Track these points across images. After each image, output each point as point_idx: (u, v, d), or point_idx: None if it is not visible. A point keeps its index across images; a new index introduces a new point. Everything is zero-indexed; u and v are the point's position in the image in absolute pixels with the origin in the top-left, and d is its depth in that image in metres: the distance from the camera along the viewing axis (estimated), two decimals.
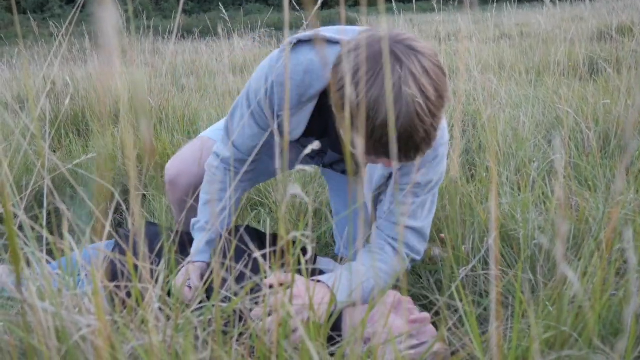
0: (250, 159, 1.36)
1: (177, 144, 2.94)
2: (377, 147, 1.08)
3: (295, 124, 1.40)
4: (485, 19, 6.42)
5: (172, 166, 1.74)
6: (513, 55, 4.89)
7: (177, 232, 1.57)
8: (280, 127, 1.41)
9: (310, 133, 1.44)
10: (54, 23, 4.67)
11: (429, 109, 1.05)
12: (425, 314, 1.27)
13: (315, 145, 0.78)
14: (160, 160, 2.77)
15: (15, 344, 0.84)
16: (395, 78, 1.04)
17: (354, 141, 1.11)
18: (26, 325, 0.80)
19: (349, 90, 1.03)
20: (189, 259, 1.47)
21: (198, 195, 1.63)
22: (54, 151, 3.11)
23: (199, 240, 1.52)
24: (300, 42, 1.32)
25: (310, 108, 1.36)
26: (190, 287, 1.41)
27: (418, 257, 1.48)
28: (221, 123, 1.77)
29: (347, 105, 1.03)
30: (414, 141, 1.07)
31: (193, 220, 1.57)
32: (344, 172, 1.71)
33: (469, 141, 2.72)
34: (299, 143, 1.50)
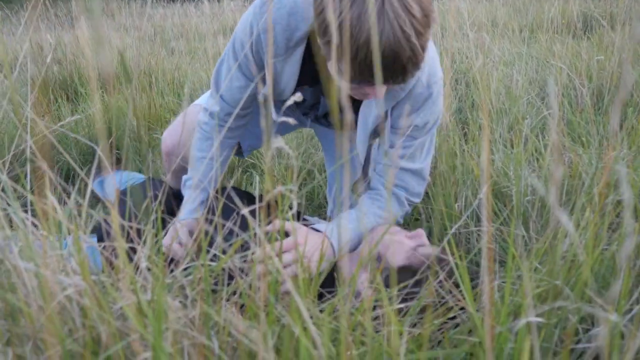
0: (237, 110, 1.31)
1: (166, 106, 2.90)
2: (362, 69, 1.02)
3: (288, 75, 1.35)
4: None
5: (168, 137, 1.71)
6: (506, 13, 4.82)
7: (164, 191, 1.54)
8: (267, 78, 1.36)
9: (303, 82, 1.39)
10: None
11: (413, 26, 0.99)
12: (420, 230, 1.28)
13: (297, 97, 0.75)
14: (151, 121, 2.74)
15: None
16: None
17: (339, 67, 1.07)
18: (10, 286, 0.78)
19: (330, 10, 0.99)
20: (178, 216, 1.45)
21: (184, 156, 1.61)
22: (43, 116, 3.06)
23: (190, 198, 1.48)
24: None
25: (299, 53, 1.31)
26: (180, 244, 1.39)
27: (417, 200, 1.47)
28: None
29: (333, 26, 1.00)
30: (400, 61, 1.01)
31: (184, 178, 1.54)
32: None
33: (461, 100, 2.69)
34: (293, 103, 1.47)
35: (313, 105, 1.53)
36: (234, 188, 1.58)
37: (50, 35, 4.40)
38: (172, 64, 3.65)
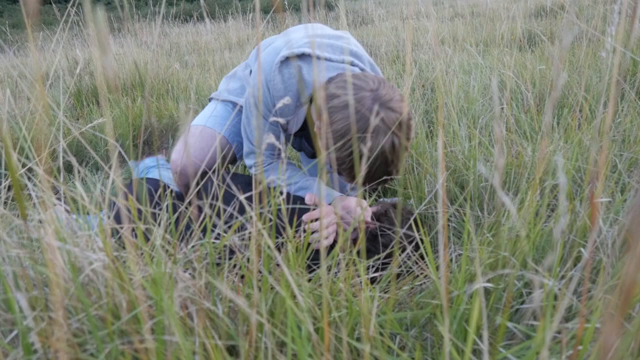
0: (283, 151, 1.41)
1: (179, 111, 2.87)
2: (364, 179, 1.20)
3: (293, 124, 1.45)
4: (442, 0, 6.29)
5: (178, 159, 1.64)
6: (465, 30, 4.79)
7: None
8: (283, 126, 1.47)
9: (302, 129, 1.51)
10: (75, 10, 4.50)
11: (402, 154, 1.17)
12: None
13: (287, 100, 0.74)
14: (165, 121, 2.71)
15: (40, 278, 0.82)
16: (382, 136, 1.13)
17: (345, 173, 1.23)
18: (45, 261, 0.77)
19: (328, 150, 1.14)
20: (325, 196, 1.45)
21: (203, 181, 1.59)
22: (77, 119, 3.03)
23: (318, 187, 1.47)
24: (287, 59, 1.34)
25: (302, 113, 1.41)
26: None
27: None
28: (206, 111, 1.72)
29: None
30: (390, 173, 1.19)
31: (290, 187, 1.52)
32: (312, 155, 1.73)
33: (427, 103, 2.68)
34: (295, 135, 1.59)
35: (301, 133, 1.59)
36: (235, 174, 1.55)
37: (83, 52, 4.34)
38: (186, 75, 3.61)
